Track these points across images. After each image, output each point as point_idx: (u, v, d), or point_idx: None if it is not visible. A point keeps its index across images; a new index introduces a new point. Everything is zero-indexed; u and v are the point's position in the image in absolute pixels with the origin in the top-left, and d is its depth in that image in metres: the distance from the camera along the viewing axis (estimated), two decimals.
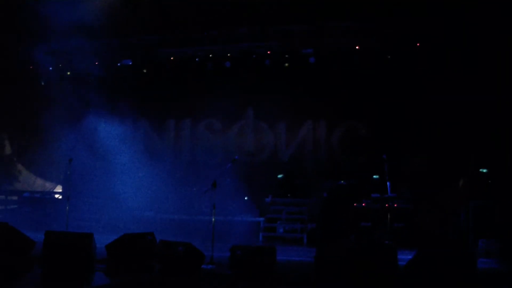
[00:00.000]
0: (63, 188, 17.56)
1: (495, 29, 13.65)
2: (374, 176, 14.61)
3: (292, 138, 16.80)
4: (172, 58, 17.08)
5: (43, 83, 17.59)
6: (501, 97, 13.81)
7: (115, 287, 9.48)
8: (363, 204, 14.04)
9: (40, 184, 18.36)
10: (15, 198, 17.30)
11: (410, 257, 9.26)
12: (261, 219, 15.14)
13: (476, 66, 14.08)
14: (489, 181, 13.77)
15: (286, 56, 16.35)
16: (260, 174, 16.03)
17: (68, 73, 17.69)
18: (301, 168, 16.31)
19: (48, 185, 18.31)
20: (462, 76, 14.27)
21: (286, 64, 16.41)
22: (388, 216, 12.68)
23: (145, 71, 17.40)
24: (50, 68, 17.68)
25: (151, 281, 9.59)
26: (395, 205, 13.56)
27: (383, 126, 15.46)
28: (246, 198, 15.42)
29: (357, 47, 15.59)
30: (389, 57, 15.54)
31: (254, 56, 16.43)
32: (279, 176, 16.19)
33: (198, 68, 16.93)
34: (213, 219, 10.83)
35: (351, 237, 13.11)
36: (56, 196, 17.27)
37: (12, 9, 15.34)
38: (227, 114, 16.93)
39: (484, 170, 13.88)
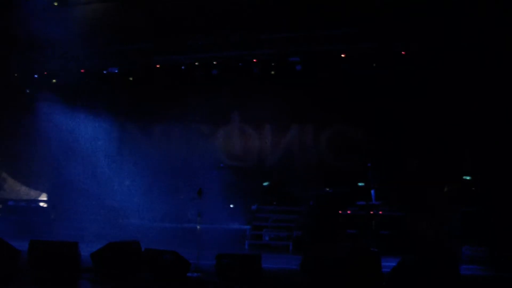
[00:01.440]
0: (48, 196, 17.47)
1: (485, 32, 13.70)
2: (359, 184, 14.67)
3: (278, 142, 16.81)
4: (158, 66, 17.06)
5: (28, 91, 17.49)
6: (489, 103, 13.86)
7: None
8: (349, 212, 14.10)
9: (25, 192, 18.24)
10: None
11: (394, 264, 9.32)
12: (247, 227, 15.13)
13: (466, 75, 14.13)
14: (473, 188, 13.87)
15: (273, 64, 16.41)
16: (246, 181, 16.02)
17: (54, 80, 17.64)
18: (288, 174, 16.30)
19: (33, 193, 18.20)
20: (451, 84, 14.32)
21: (273, 72, 16.46)
22: (373, 223, 12.77)
23: (131, 79, 17.37)
24: (36, 76, 17.63)
25: None
26: (380, 212, 13.64)
27: (371, 130, 15.46)
28: (231, 205, 15.43)
29: (342, 55, 15.64)
30: (374, 65, 15.60)
31: (240, 64, 16.49)
32: (265, 183, 16.22)
33: (185, 74, 16.95)
34: (198, 227, 10.84)
35: (336, 244, 13.14)
36: (41, 204, 17.17)
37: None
38: (213, 119, 16.96)
39: (468, 178, 13.99)
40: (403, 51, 15.04)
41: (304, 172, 16.14)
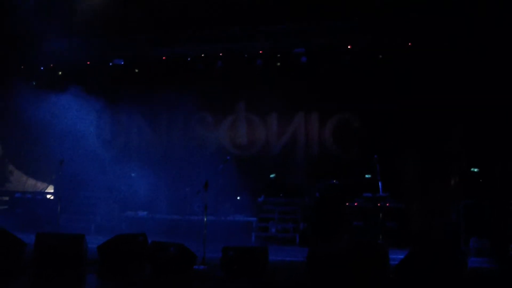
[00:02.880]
0: (54, 189, 17.50)
1: (491, 31, 13.68)
2: (366, 176, 14.61)
3: (283, 131, 16.73)
4: (164, 58, 17.04)
5: (34, 83, 17.47)
6: (494, 98, 13.80)
7: None
8: (355, 204, 14.06)
9: (31, 184, 18.27)
10: (6, 198, 17.23)
11: (402, 256, 9.28)
12: (254, 219, 15.13)
13: (471, 67, 14.08)
14: (481, 180, 13.81)
15: (278, 55, 16.37)
16: (252, 173, 15.98)
17: (60, 73, 17.64)
18: (293, 164, 16.23)
19: (39, 185, 18.23)
20: (455, 75, 14.27)
21: (278, 64, 16.43)
22: (380, 215, 12.71)
23: (137, 70, 17.36)
24: (42, 68, 17.62)
25: (142, 282, 9.58)
26: (387, 205, 13.58)
27: (377, 121, 15.40)
28: (238, 198, 15.41)
29: (349, 46, 15.59)
30: (380, 56, 15.55)
31: (246, 55, 16.48)
32: (272, 175, 16.18)
33: (190, 65, 16.93)
34: (205, 219, 10.82)
35: (343, 236, 13.13)
36: (48, 196, 17.20)
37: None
38: (219, 108, 16.96)
39: (475, 170, 13.92)
40: (409, 43, 15.01)
41: (310, 163, 16.09)
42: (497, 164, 13.62)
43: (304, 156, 16.38)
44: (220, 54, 16.63)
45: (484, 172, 13.77)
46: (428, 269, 8.85)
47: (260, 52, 16.36)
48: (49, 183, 18.02)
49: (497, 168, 13.60)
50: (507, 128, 13.70)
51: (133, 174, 16.10)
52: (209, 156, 16.08)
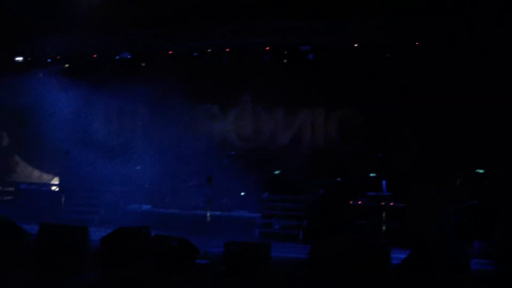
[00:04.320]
0: (59, 180, 17.56)
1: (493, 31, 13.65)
2: (371, 174, 14.59)
3: (289, 125, 16.73)
4: (170, 52, 17.05)
5: (41, 75, 17.52)
6: (496, 98, 13.78)
7: (109, 280, 9.49)
8: (359, 202, 14.04)
9: (37, 175, 18.36)
10: (12, 189, 17.31)
11: (404, 256, 9.28)
12: (257, 215, 15.12)
13: (476, 66, 14.06)
14: (486, 182, 13.78)
15: (285, 52, 16.37)
16: (257, 168, 15.96)
17: (66, 65, 17.69)
18: (298, 160, 16.18)
19: (45, 176, 18.31)
20: (460, 75, 14.25)
21: (285, 61, 16.42)
22: (383, 214, 12.70)
23: (143, 64, 17.37)
24: (49, 60, 17.67)
25: (145, 275, 9.61)
26: (391, 204, 13.56)
27: (381, 119, 15.38)
28: (242, 193, 15.42)
29: (355, 45, 15.58)
30: (388, 55, 15.52)
31: (252, 51, 16.48)
32: (276, 172, 16.17)
33: (196, 60, 16.95)
34: (208, 214, 10.84)
35: (346, 235, 13.11)
36: (53, 188, 17.27)
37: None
38: (224, 101, 17.02)
39: (481, 171, 13.89)
40: (416, 43, 14.99)
41: (315, 159, 16.01)
42: (501, 165, 13.57)
43: (309, 151, 16.38)
44: (227, 50, 16.62)
45: (488, 173, 13.75)
46: (429, 269, 8.85)
47: (267, 48, 16.33)
48: (55, 175, 18.09)
49: (501, 169, 13.56)
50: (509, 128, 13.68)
51: (138, 167, 16.15)
52: (214, 148, 16.08)
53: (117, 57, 17.35)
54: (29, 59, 17.46)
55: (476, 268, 10.28)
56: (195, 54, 16.90)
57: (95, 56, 17.15)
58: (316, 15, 15.01)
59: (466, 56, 14.20)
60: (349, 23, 15.10)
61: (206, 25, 16.07)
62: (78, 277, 9.51)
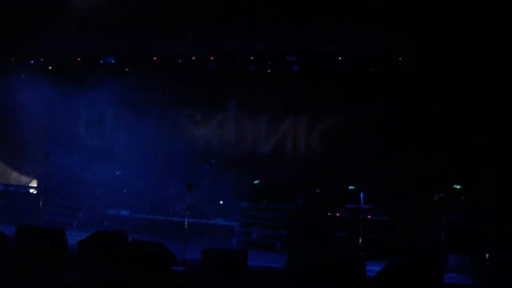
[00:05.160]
0: (38, 183, 17.44)
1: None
2: (350, 187, 14.66)
3: (272, 133, 16.75)
4: (155, 58, 17.06)
5: (23, 76, 17.42)
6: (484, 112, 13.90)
7: (86, 284, 9.46)
8: (338, 214, 14.11)
9: (15, 177, 18.21)
10: None
11: (379, 268, 9.36)
12: (236, 223, 15.13)
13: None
14: (462, 198, 13.91)
15: (269, 62, 16.45)
16: (237, 175, 15.98)
17: (50, 67, 17.63)
18: (280, 168, 16.17)
19: (23, 179, 18.17)
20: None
21: (269, 71, 16.50)
22: (361, 227, 12.78)
23: (127, 70, 17.33)
24: (32, 62, 17.59)
25: (121, 280, 9.58)
26: (369, 217, 13.65)
27: (365, 129, 15.43)
28: (221, 202, 15.44)
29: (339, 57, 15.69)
30: (371, 69, 15.61)
31: (237, 61, 16.52)
32: (256, 181, 16.19)
33: (182, 66, 16.97)
34: (186, 221, 10.86)
35: (321, 246, 13.17)
36: (31, 190, 17.15)
37: None
38: (209, 105, 17.00)
39: (458, 186, 14.03)
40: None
41: (296, 167, 15.95)
42: (479, 180, 13.70)
43: (291, 159, 16.39)
44: (212, 58, 16.67)
45: (466, 188, 13.88)
46: (404, 282, 8.93)
47: (252, 58, 16.41)
48: (34, 177, 17.96)
49: (479, 184, 13.69)
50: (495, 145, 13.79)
51: (117, 172, 16.11)
52: (196, 155, 16.08)
53: (101, 62, 17.32)
54: (12, 59, 17.34)
55: (449, 283, 10.38)
56: (180, 61, 16.90)
57: (79, 59, 17.09)
58: (301, 22, 15.05)
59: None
60: (336, 30, 15.12)
61: (192, 30, 16.11)
62: (55, 279, 9.46)
